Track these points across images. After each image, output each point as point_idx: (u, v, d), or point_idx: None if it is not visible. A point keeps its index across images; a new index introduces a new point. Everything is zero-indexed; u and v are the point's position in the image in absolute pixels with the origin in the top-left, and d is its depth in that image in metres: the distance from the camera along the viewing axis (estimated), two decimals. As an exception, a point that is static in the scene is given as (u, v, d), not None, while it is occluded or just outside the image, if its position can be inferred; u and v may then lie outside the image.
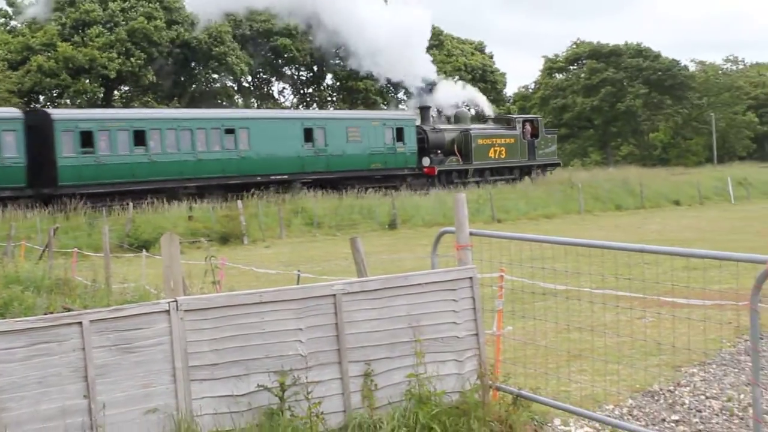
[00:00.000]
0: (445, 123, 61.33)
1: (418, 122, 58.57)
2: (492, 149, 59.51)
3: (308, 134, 50.75)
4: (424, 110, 60.63)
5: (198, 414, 7.12)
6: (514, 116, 66.85)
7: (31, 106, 59.16)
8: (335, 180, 51.14)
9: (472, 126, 61.01)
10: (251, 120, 49.90)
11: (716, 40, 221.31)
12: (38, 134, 40.83)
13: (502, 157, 60.20)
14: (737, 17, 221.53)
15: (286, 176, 49.01)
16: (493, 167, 59.87)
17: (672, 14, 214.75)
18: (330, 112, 63.02)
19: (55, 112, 44.84)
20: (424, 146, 57.02)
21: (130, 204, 38.60)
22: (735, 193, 56.21)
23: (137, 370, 6.96)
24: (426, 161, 56.38)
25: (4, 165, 39.77)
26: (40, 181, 40.90)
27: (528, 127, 63.07)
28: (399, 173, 55.24)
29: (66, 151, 41.09)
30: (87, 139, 41.82)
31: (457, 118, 62.51)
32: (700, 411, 9.18)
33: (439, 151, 57.63)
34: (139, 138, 43.45)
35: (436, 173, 56.10)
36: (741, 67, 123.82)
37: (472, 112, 67.39)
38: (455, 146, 58.40)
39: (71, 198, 38.86)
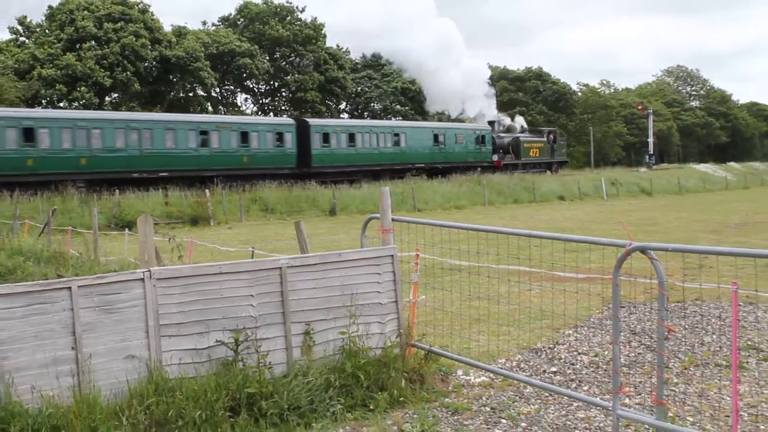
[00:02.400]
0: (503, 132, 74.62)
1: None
2: (531, 150, 72.73)
3: (436, 138, 64.08)
4: (491, 123, 73.31)
5: (167, 363, 7.08)
6: (543, 128, 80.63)
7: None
8: (448, 168, 62.56)
9: (520, 134, 74.35)
10: (406, 128, 63.50)
11: (593, 68, 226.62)
12: (302, 134, 53.57)
13: (537, 155, 73.13)
14: (609, 51, 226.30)
15: (423, 165, 62.04)
16: (532, 162, 71.89)
17: (560, 46, 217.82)
18: (447, 124, 72.03)
19: (311, 121, 57.46)
20: (493, 147, 69.41)
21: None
22: (607, 191, 56.98)
23: (117, 327, 6.90)
24: (495, 157, 68.99)
25: (286, 153, 52.66)
26: (302, 164, 53.48)
27: (551, 135, 76.03)
28: (481, 164, 66.15)
29: (316, 145, 54.14)
30: (326, 138, 54.97)
31: (509, 129, 75.77)
32: (573, 364, 9.31)
33: (501, 151, 70.05)
34: (351, 138, 56.80)
35: (501, 165, 67.96)
36: (612, 90, 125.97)
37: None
38: (510, 148, 70.87)
39: (322, 174, 53.83)
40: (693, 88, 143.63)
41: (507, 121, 79.07)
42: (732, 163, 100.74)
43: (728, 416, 7.12)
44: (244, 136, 50.23)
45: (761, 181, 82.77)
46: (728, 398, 7.66)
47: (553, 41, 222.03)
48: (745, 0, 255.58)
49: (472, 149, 66.92)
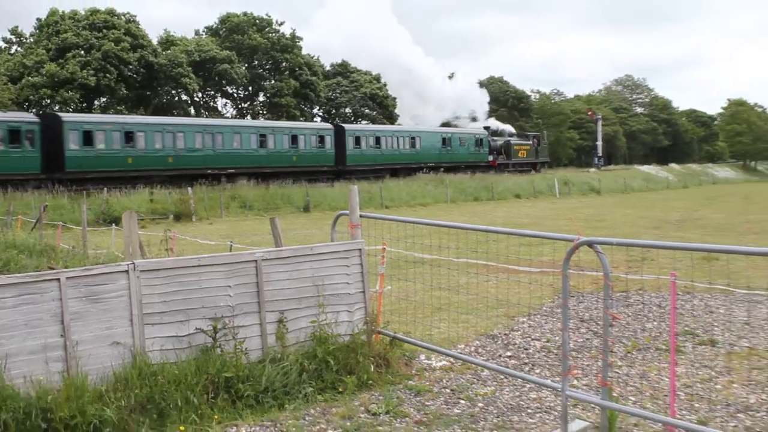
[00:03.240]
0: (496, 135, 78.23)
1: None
2: (520, 152, 76.24)
3: (444, 141, 67.97)
4: (486, 128, 76.97)
5: (150, 350, 7.04)
6: (528, 133, 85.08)
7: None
8: (452, 167, 65.85)
9: (510, 138, 78.03)
10: (420, 132, 67.24)
11: (544, 78, 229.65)
12: (338, 137, 57.84)
13: (524, 156, 76.49)
14: (558, 63, 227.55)
15: (432, 164, 65.16)
16: (520, 163, 75.28)
17: (511, 59, 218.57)
18: (453, 129, 75.11)
19: (346, 126, 61.16)
20: (489, 149, 72.90)
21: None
22: (560, 190, 57.34)
23: (103, 316, 6.84)
24: (490, 158, 72.52)
25: (326, 153, 56.84)
26: (339, 163, 57.77)
27: (536, 139, 79.32)
28: (478, 164, 70.07)
29: (350, 146, 58.45)
30: (357, 141, 59.44)
31: (501, 133, 79.26)
32: (527, 349, 9.37)
33: (495, 152, 73.42)
34: (378, 141, 61.26)
35: (496, 165, 71.96)
36: (564, 98, 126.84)
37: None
38: (502, 150, 74.28)
39: (354, 172, 58.06)
40: (638, 96, 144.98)
41: (499, 126, 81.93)
42: (673, 165, 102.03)
43: (666, 395, 7.21)
44: (294, 139, 54.78)
45: (699, 181, 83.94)
46: (667, 379, 7.76)
47: (503, 54, 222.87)
48: (685, 16, 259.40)
49: (472, 151, 70.99)
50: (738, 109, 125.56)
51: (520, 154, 75.96)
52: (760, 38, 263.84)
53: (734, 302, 11.71)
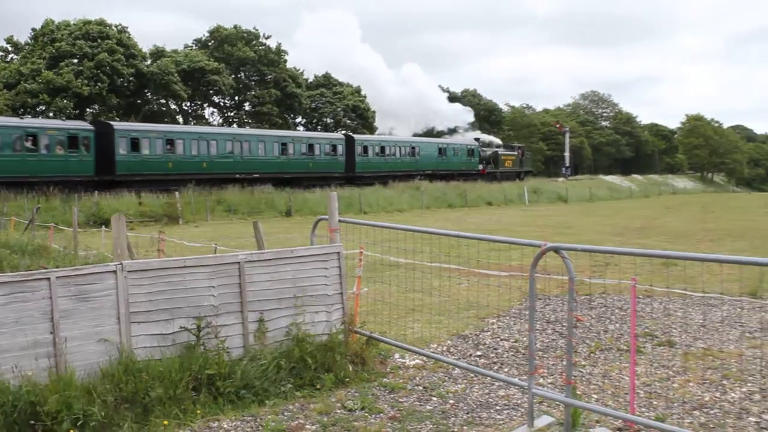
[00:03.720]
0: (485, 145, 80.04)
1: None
2: (506, 161, 78.28)
3: (440, 151, 70.18)
4: (476, 139, 79.03)
5: (136, 347, 7.00)
6: (514, 144, 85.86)
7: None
8: (448, 174, 67.87)
9: (498, 148, 79.61)
10: (420, 143, 69.68)
11: (514, 92, 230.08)
12: (349, 146, 59.77)
13: (510, 166, 78.37)
14: (526, 78, 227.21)
15: (430, 171, 66.66)
16: (507, 172, 76.73)
17: (481, 74, 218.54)
18: (447, 140, 77.89)
19: (356, 136, 63.13)
20: (479, 158, 74.62)
21: (96, 192, 38.50)
22: (529, 198, 57.51)
23: (91, 314, 6.81)
24: (480, 167, 73.98)
25: (338, 161, 58.74)
26: (349, 169, 59.49)
27: (520, 150, 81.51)
28: (470, 172, 72.20)
29: (359, 154, 60.35)
30: (365, 150, 61.37)
31: (490, 144, 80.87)
32: (496, 349, 9.39)
33: (484, 161, 75.08)
34: (383, 150, 63.42)
35: (485, 173, 73.30)
36: (533, 111, 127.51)
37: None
38: (491, 159, 76.11)
39: (362, 178, 59.41)
40: (604, 110, 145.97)
41: (487, 138, 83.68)
42: (635, 176, 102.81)
43: (627, 394, 7.26)
44: (311, 147, 56.75)
45: (659, 191, 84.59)
46: (627, 378, 7.80)
47: (473, 69, 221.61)
48: (648, 35, 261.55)
49: (464, 160, 73.09)
50: (696, 124, 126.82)
51: (506, 164, 77.89)
52: (711, 60, 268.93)
53: (691, 305, 11.81)
